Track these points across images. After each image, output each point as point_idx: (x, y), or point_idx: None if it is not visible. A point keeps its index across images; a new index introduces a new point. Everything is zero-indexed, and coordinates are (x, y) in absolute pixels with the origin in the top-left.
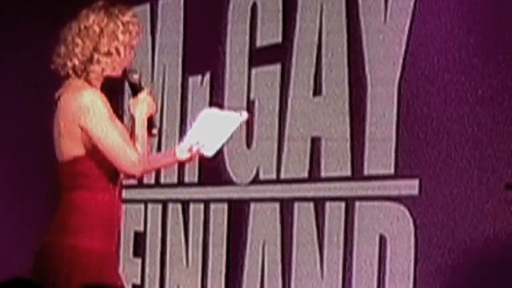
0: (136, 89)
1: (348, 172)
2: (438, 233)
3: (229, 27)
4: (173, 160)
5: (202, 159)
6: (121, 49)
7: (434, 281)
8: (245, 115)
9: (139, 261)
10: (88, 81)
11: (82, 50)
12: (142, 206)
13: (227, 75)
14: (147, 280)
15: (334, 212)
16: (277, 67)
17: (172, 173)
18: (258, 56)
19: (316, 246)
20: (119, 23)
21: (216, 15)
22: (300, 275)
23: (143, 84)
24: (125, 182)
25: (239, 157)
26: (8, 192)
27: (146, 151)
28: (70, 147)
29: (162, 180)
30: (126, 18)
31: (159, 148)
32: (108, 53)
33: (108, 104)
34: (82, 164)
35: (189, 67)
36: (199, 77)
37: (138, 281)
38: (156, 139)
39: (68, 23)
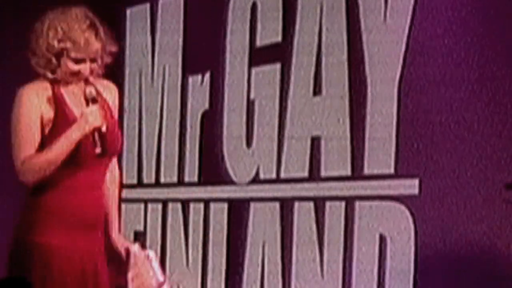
0: (88, 102)
1: (348, 172)
2: (438, 233)
3: (229, 27)
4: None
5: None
6: (43, 47)
7: (434, 281)
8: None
9: None
10: (49, 80)
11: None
12: (142, 206)
13: (227, 75)
14: None
15: (334, 212)
16: (277, 67)
17: (172, 172)
18: (258, 56)
19: (316, 246)
20: (45, 23)
21: (216, 15)
22: (300, 275)
23: (93, 101)
24: (125, 181)
25: (239, 156)
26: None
27: (48, 162)
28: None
29: (162, 180)
30: (51, 15)
31: (158, 149)
32: (36, 53)
33: (42, 104)
34: None
35: (189, 67)
36: (199, 77)
37: None
38: (156, 139)
39: None
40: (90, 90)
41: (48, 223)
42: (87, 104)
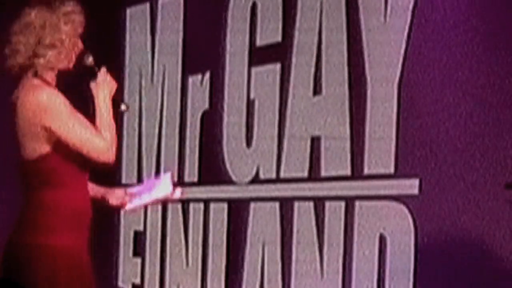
0: (93, 72)
1: (348, 172)
2: (438, 233)
3: (229, 27)
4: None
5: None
6: (66, 40)
7: (434, 281)
8: (178, 193)
9: (139, 260)
10: (42, 79)
11: (25, 46)
12: None
13: (227, 75)
14: (147, 279)
15: (334, 212)
16: (277, 67)
17: (172, 172)
18: (258, 56)
19: (316, 246)
20: (60, 14)
21: (216, 15)
22: (300, 275)
23: (98, 65)
24: (125, 181)
25: (239, 156)
26: None
27: (114, 133)
28: (34, 146)
29: None
30: (67, 8)
31: (158, 149)
32: (52, 45)
33: (66, 100)
34: (48, 162)
35: (189, 67)
36: (199, 77)
37: (138, 281)
38: (155, 139)
39: (12, 24)
40: (90, 57)
41: (56, 224)
42: (93, 73)
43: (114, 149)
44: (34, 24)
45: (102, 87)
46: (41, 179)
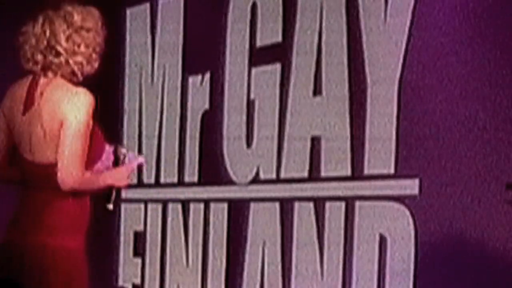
0: (119, 161)
1: (348, 172)
2: (438, 233)
3: (229, 27)
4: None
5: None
6: (102, 45)
7: (434, 281)
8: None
9: (139, 261)
10: (72, 82)
11: (85, 48)
12: (142, 206)
13: (227, 75)
14: (147, 280)
15: (334, 212)
16: (277, 67)
17: (172, 172)
18: (258, 56)
19: (316, 246)
20: (99, 20)
21: (216, 15)
22: (300, 275)
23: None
24: None
25: (239, 156)
26: None
27: (89, 188)
28: (54, 150)
29: (162, 180)
30: (98, 13)
31: (158, 149)
32: (100, 51)
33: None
34: None
35: (189, 67)
36: (199, 77)
37: (138, 281)
38: (156, 139)
39: (42, 19)
40: (123, 150)
41: (72, 227)
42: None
43: (76, 185)
44: (87, 27)
45: (125, 175)
46: (54, 183)
